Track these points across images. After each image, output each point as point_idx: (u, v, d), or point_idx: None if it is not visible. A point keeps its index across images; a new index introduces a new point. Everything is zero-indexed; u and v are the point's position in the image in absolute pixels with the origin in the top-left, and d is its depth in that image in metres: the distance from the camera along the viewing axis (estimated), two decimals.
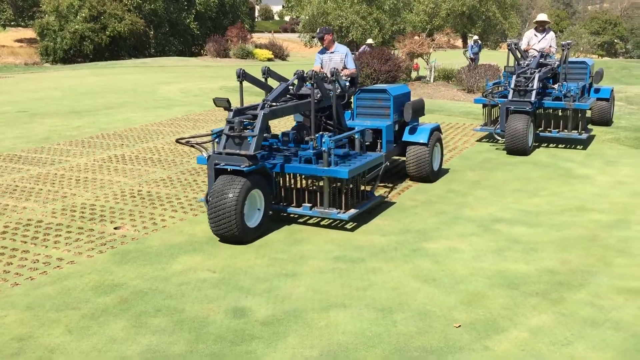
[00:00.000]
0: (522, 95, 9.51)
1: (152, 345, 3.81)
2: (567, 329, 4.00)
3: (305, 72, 6.56)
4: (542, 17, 11.13)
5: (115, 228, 6.02)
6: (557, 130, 10.04)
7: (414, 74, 20.28)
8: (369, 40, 21.31)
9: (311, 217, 6.29)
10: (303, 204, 6.11)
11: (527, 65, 10.02)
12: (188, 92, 17.31)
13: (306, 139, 6.44)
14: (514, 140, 9.24)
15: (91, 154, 9.28)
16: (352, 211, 6.02)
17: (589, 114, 11.70)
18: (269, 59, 33.01)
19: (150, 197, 7.06)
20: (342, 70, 7.67)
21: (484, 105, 10.53)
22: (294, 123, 7.82)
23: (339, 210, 5.98)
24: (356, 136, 6.56)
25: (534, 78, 9.52)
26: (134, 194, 7.17)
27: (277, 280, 4.80)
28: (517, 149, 9.29)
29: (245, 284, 4.72)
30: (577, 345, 3.81)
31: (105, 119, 12.53)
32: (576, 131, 9.88)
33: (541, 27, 11.06)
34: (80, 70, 25.94)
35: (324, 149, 5.85)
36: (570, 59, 11.08)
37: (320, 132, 6.20)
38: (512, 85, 9.59)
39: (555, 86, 10.15)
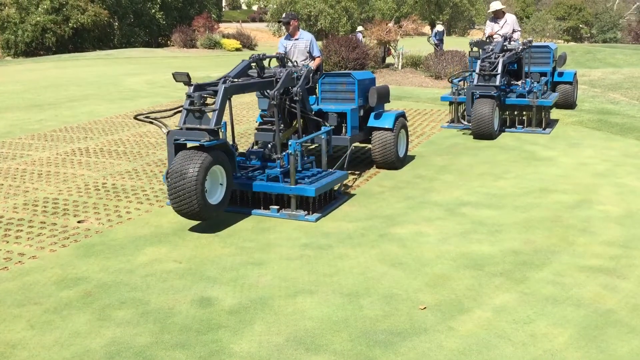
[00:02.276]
0: (487, 80, 9.60)
1: (116, 338, 3.76)
2: (530, 307, 4.08)
3: (260, 54, 6.49)
4: (496, 5, 11.15)
5: (78, 222, 5.92)
6: (521, 126, 10.16)
7: (389, 59, 20.49)
8: (360, 28, 22.38)
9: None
10: (270, 207, 6.07)
11: (492, 50, 10.12)
12: (154, 83, 17.07)
13: (273, 157, 6.42)
14: (480, 124, 9.33)
15: (54, 147, 9.09)
16: (320, 213, 6.03)
17: None
18: (237, 49, 32.74)
19: (115, 189, 6.95)
20: (306, 59, 7.66)
21: (450, 103, 10.61)
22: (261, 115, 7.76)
23: (306, 212, 5.97)
24: (323, 137, 6.54)
25: (498, 63, 9.61)
26: (98, 186, 7.05)
27: (244, 269, 4.78)
28: (484, 133, 9.38)
29: (211, 274, 4.69)
30: (539, 322, 3.88)
31: (69, 112, 12.29)
32: (540, 127, 10.01)
33: (497, 15, 11.14)
34: (42, 64, 25.37)
35: (290, 151, 5.87)
36: (533, 43, 11.22)
37: (286, 152, 6.16)
38: (477, 70, 9.68)
39: (519, 83, 10.30)
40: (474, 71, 9.79)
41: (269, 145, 6.58)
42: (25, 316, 4.05)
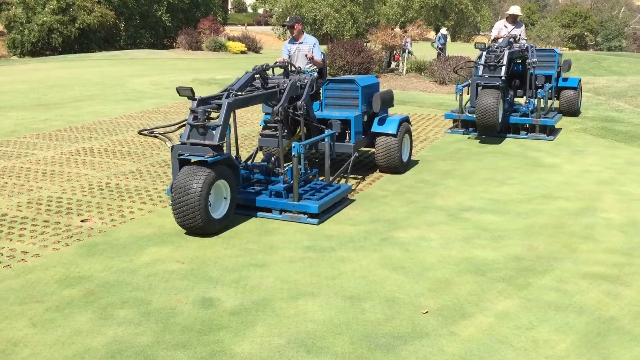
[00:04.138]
0: (492, 71, 9.54)
1: (118, 337, 3.77)
2: (532, 313, 4.07)
3: (263, 65, 6.47)
4: (515, 10, 11.18)
5: (82, 221, 5.93)
6: (525, 132, 10.17)
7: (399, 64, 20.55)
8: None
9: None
10: (272, 209, 6.08)
11: (498, 47, 10.07)
12: (159, 84, 17.12)
13: (276, 170, 6.42)
14: (484, 115, 9.22)
15: (58, 147, 9.12)
16: (322, 216, 6.02)
17: (556, 104, 11.89)
18: (242, 52, 32.81)
19: (118, 189, 6.97)
20: (309, 59, 7.65)
21: (454, 121, 10.63)
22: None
23: (308, 215, 5.97)
24: (326, 140, 6.54)
25: (503, 55, 9.56)
26: (102, 186, 7.07)
27: (246, 271, 4.78)
28: (488, 124, 9.27)
29: (214, 275, 4.70)
30: (541, 328, 3.87)
31: (74, 112, 12.33)
32: (544, 134, 10.01)
33: (512, 19, 11.16)
34: (48, 63, 25.46)
35: (293, 153, 5.88)
36: (538, 48, 11.26)
37: (290, 164, 6.16)
38: (482, 61, 9.63)
39: (523, 102, 10.32)
40: (480, 63, 9.72)
41: (272, 159, 6.57)
42: (27, 314, 4.06)
